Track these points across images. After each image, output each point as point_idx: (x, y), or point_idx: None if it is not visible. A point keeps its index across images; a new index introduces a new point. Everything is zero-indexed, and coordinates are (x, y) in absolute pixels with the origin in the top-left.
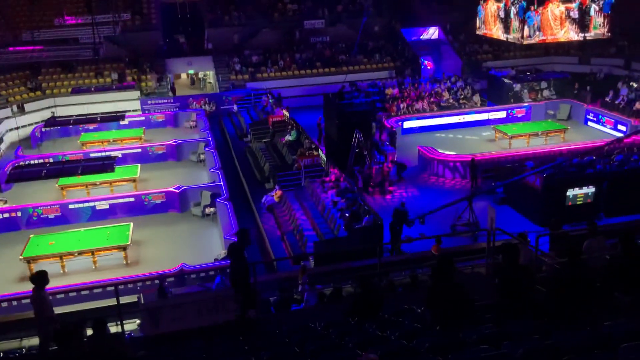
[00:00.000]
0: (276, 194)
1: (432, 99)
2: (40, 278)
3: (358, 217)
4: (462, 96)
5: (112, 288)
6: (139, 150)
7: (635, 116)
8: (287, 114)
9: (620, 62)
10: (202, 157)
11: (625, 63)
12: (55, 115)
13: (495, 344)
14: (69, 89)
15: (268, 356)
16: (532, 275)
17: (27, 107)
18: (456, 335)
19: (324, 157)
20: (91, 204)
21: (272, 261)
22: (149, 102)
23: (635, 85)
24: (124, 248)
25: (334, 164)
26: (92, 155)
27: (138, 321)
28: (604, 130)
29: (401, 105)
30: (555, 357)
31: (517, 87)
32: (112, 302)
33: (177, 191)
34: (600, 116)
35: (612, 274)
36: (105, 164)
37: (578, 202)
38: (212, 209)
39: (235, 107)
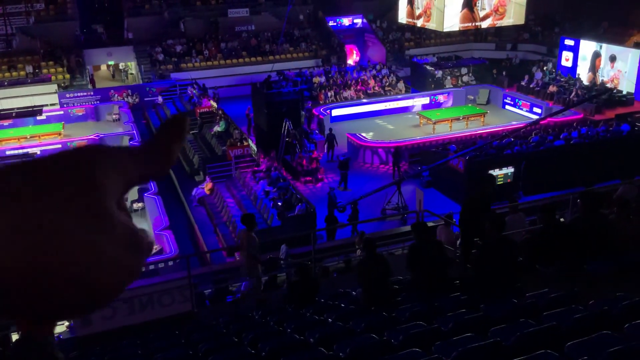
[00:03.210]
0: (207, 186)
1: (358, 87)
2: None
3: (290, 205)
4: (387, 83)
5: None
6: (59, 146)
7: (550, 99)
8: (214, 104)
9: (534, 48)
10: None
11: (548, 50)
12: None
13: (427, 319)
14: None
15: (206, 348)
16: (443, 251)
17: None
18: (390, 314)
19: (254, 147)
20: None
21: (205, 253)
22: (68, 95)
23: (549, 69)
24: None
25: (265, 154)
26: (7, 153)
27: (66, 323)
28: (520, 113)
29: (329, 94)
30: (484, 327)
31: (439, 73)
32: None
33: None
34: (516, 100)
35: (533, 247)
36: None
37: (499, 182)
38: (140, 204)
39: (160, 99)
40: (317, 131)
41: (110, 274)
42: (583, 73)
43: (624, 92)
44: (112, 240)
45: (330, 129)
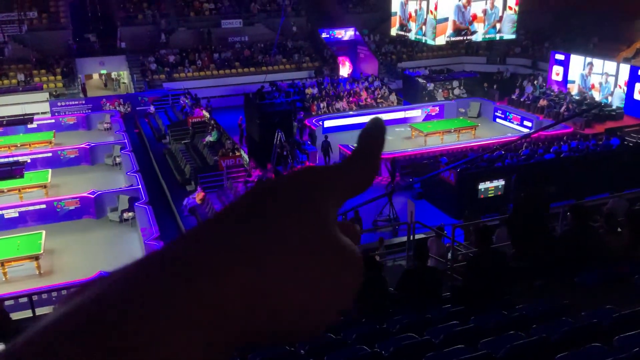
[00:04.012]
0: (198, 195)
1: (351, 99)
2: None
3: None
4: (380, 95)
5: (26, 299)
6: (50, 154)
7: (540, 112)
8: (207, 114)
9: (524, 62)
10: (117, 160)
11: (533, 63)
12: None
13: (418, 331)
14: None
15: None
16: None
17: None
18: (381, 325)
19: (246, 157)
20: None
21: None
22: (59, 104)
23: (539, 82)
24: (36, 258)
25: (257, 164)
26: None
27: None
28: (511, 127)
29: (321, 105)
30: (474, 339)
31: (431, 86)
32: (26, 314)
33: (92, 196)
34: (507, 113)
35: (523, 259)
36: (13, 170)
37: (489, 195)
38: (130, 214)
39: (152, 108)
40: (309, 142)
41: (340, 298)
42: (573, 85)
43: (614, 107)
44: (343, 267)
45: (326, 136)
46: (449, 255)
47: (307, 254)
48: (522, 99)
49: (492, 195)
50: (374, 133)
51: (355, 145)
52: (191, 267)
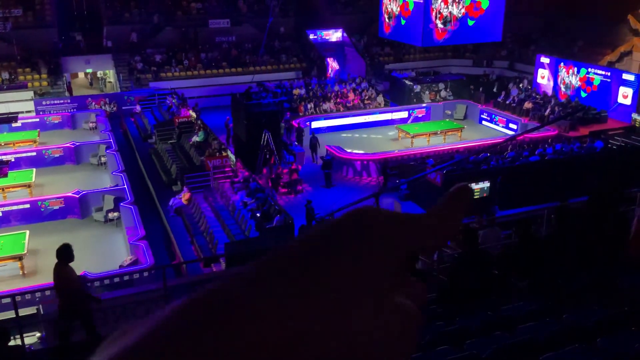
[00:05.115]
0: (184, 196)
1: (338, 100)
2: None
3: (269, 217)
4: (367, 97)
5: (9, 300)
6: (34, 153)
7: (525, 115)
8: (194, 114)
9: (515, 66)
10: (103, 159)
11: (509, 65)
12: None
13: None
14: None
15: None
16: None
17: None
18: None
19: (232, 157)
20: None
21: (182, 264)
22: (44, 102)
23: (524, 85)
24: (19, 258)
25: (243, 165)
26: None
27: (38, 334)
28: (496, 129)
29: (308, 106)
30: (460, 340)
31: (417, 88)
32: (9, 315)
33: (77, 196)
34: (493, 115)
35: (508, 261)
36: None
37: (475, 197)
38: (115, 214)
39: (138, 108)
40: (296, 142)
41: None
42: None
43: (598, 110)
44: (398, 333)
45: (313, 133)
46: (435, 256)
47: (359, 317)
48: (507, 102)
49: (478, 197)
50: (460, 196)
51: (440, 203)
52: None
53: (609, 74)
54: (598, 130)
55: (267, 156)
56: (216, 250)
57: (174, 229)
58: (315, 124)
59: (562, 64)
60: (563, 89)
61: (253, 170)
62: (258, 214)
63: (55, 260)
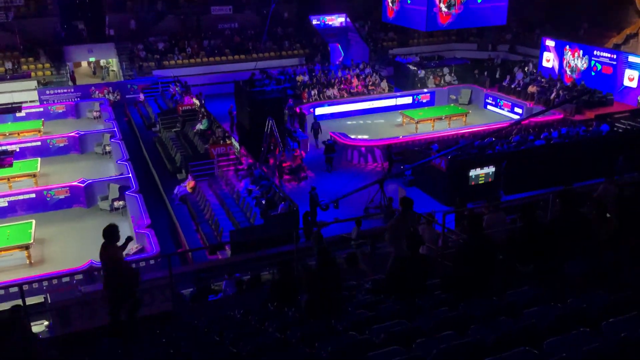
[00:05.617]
0: (189, 184)
1: (342, 86)
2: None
3: (273, 204)
4: (371, 82)
5: (16, 289)
6: (39, 143)
7: (530, 99)
8: (197, 102)
9: (520, 49)
10: (107, 148)
11: (510, 48)
12: None
13: (408, 318)
14: None
15: (187, 347)
16: (426, 264)
17: None
18: (412, 304)
19: (237, 145)
20: None
21: (187, 252)
22: (48, 92)
23: (529, 69)
24: (26, 247)
25: (248, 152)
26: None
27: (46, 322)
28: (502, 113)
29: (312, 92)
30: (464, 326)
31: (422, 73)
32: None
33: (82, 185)
34: (498, 100)
35: (513, 246)
36: (2, 159)
37: (480, 182)
38: (121, 203)
39: (141, 96)
40: (300, 129)
41: None
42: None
43: (604, 93)
44: None
45: (315, 118)
46: (440, 242)
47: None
48: (512, 86)
49: (483, 182)
50: None
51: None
52: None
53: (614, 56)
54: (604, 114)
55: (272, 147)
56: (221, 238)
57: (179, 217)
58: (319, 111)
59: (567, 46)
60: (568, 72)
61: (257, 157)
62: (263, 202)
63: (62, 249)
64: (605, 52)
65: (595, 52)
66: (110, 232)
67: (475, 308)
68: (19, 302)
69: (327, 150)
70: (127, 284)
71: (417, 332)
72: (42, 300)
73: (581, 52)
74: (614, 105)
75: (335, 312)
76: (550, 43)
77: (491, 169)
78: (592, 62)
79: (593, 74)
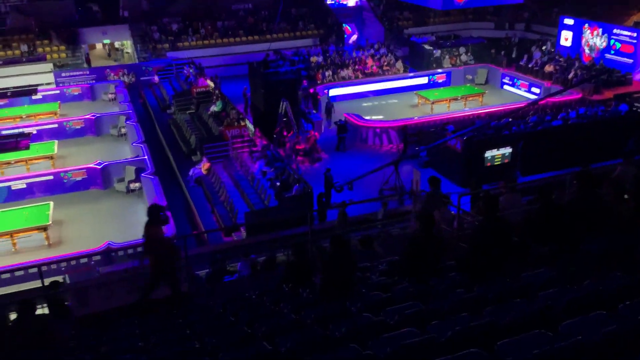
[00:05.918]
0: (204, 166)
1: (356, 67)
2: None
3: (288, 186)
4: (385, 63)
5: (35, 270)
6: (55, 125)
7: (548, 78)
8: (212, 84)
9: (537, 28)
10: (123, 130)
11: (526, 27)
12: None
13: (422, 299)
14: None
15: (203, 328)
16: (441, 245)
17: None
18: (427, 286)
19: (251, 127)
20: (6, 184)
21: (203, 233)
22: (63, 74)
23: (547, 48)
24: (44, 228)
25: (262, 134)
26: (3, 132)
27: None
28: (519, 93)
29: (326, 73)
30: (479, 307)
31: (437, 53)
32: (35, 284)
33: (99, 167)
34: (515, 79)
35: (529, 227)
36: (19, 141)
37: (496, 163)
38: (137, 184)
39: (156, 78)
40: (314, 111)
41: None
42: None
43: (623, 72)
44: None
45: (329, 98)
46: (455, 223)
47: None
48: (530, 65)
49: (499, 163)
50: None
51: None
52: None
53: (634, 34)
54: (623, 93)
55: (287, 131)
56: (236, 219)
57: (194, 199)
58: (333, 92)
59: (586, 25)
60: (587, 51)
61: (271, 139)
62: (277, 183)
63: (80, 230)
64: (625, 31)
65: (614, 31)
66: (152, 212)
67: (491, 290)
68: (38, 283)
69: (339, 130)
70: (169, 258)
71: (432, 313)
72: (61, 280)
73: (600, 30)
74: (633, 85)
75: (350, 294)
76: (569, 21)
77: (507, 150)
78: (612, 41)
79: (612, 52)
